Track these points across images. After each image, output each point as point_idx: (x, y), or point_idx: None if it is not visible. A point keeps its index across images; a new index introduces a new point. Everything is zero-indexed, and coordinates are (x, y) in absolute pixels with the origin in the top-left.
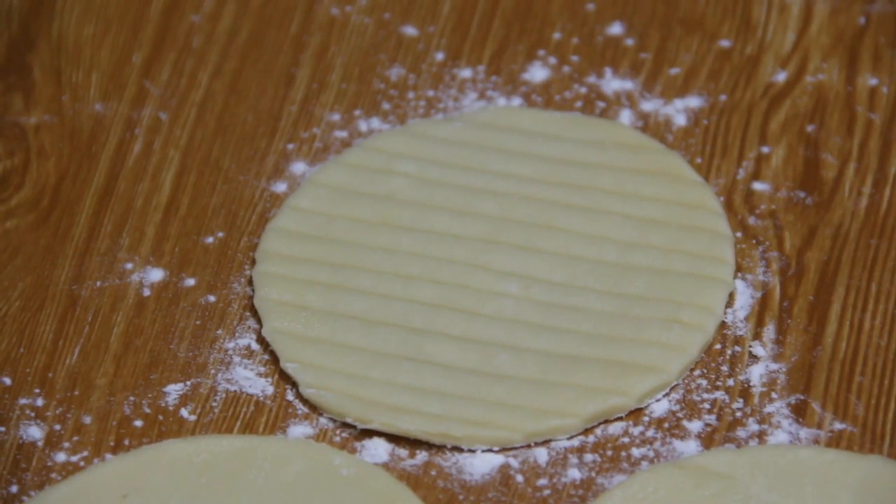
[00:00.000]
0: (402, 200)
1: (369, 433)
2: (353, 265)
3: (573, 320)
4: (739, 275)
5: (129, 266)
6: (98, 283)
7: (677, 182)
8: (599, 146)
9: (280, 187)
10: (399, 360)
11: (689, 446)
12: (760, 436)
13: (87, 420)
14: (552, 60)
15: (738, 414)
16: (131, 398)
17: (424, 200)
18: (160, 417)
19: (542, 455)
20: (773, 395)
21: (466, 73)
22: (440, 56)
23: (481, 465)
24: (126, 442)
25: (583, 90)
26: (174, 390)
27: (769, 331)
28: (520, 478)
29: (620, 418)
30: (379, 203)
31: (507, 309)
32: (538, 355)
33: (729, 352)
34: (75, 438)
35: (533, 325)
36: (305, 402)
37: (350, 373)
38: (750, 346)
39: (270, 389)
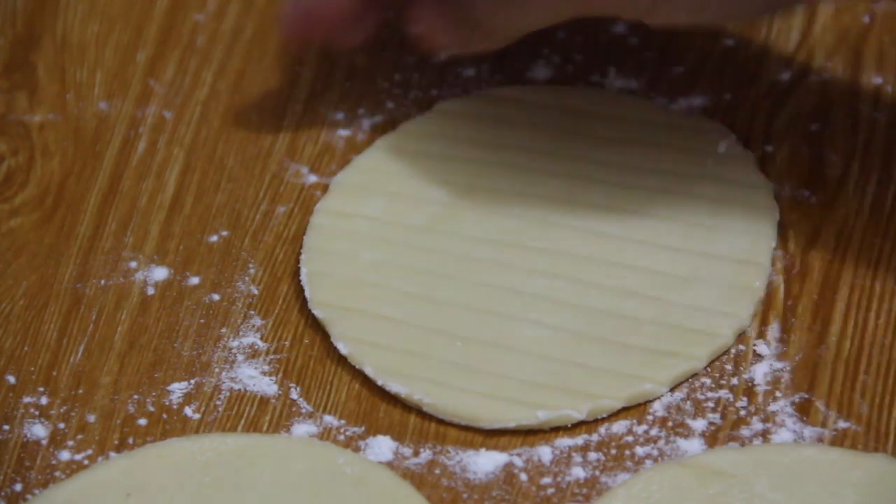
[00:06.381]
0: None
1: (373, 431)
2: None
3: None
4: None
5: (134, 265)
6: (102, 282)
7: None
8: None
9: (284, 186)
10: (451, 339)
11: (693, 445)
12: (764, 434)
13: (92, 418)
14: (556, 59)
15: (743, 413)
16: (135, 397)
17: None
18: (164, 416)
19: (546, 454)
20: (777, 393)
21: (470, 71)
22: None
23: (485, 463)
24: (130, 440)
25: None
26: (178, 389)
27: (773, 329)
28: (524, 476)
29: (625, 416)
30: (451, 181)
31: (558, 291)
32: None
33: (733, 350)
34: (79, 437)
35: (577, 308)
36: (309, 400)
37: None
38: (754, 345)
39: (274, 388)
